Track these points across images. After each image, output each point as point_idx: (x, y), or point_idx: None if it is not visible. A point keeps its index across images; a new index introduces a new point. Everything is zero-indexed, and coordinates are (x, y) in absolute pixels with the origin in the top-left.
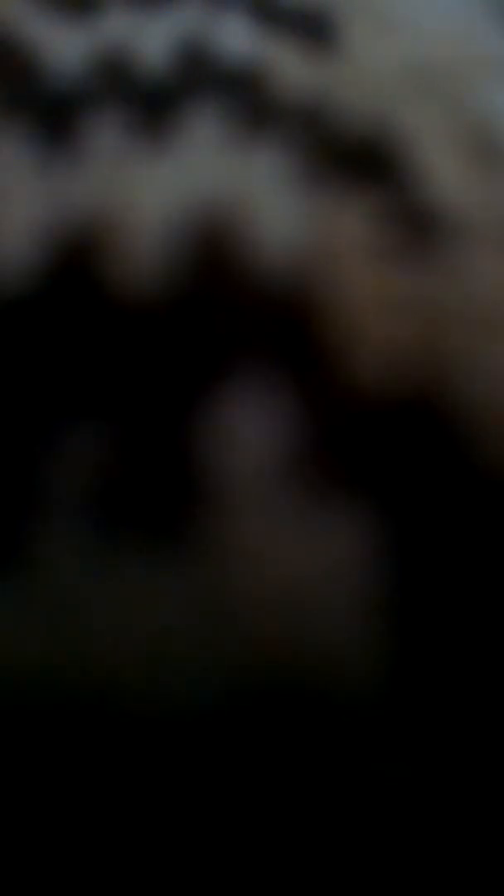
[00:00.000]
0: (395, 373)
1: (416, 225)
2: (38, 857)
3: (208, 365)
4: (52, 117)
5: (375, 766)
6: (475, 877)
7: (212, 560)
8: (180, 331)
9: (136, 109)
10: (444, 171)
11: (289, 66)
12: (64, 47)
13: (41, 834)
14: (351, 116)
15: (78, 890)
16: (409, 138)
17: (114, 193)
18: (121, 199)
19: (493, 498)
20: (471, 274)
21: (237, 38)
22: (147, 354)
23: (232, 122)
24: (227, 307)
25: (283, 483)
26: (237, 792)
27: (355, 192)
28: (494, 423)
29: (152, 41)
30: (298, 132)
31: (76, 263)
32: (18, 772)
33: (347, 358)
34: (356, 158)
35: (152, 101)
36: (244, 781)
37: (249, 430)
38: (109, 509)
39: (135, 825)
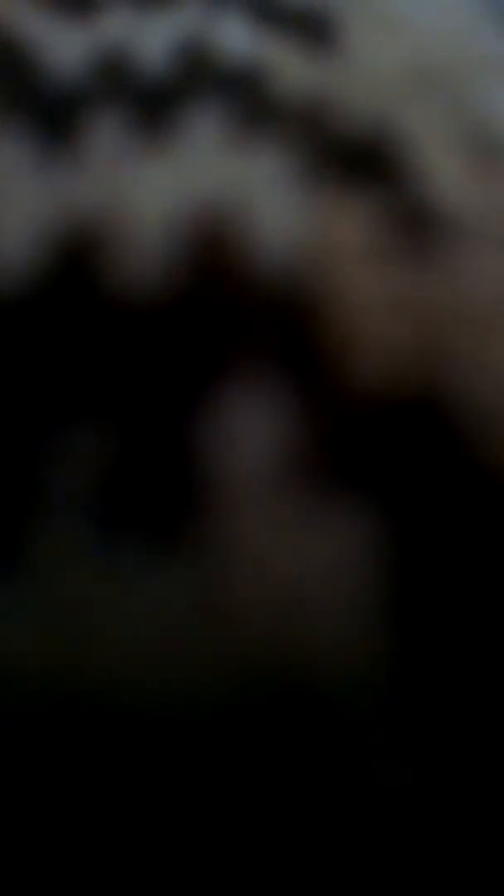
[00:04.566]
0: (394, 372)
1: (415, 225)
2: (39, 856)
3: (208, 365)
4: (52, 117)
5: (375, 766)
6: (475, 877)
7: (212, 560)
8: (180, 331)
9: (136, 109)
10: (444, 171)
11: (289, 67)
12: (64, 47)
13: (41, 833)
14: (351, 116)
15: (78, 890)
16: (409, 138)
17: (113, 193)
18: (120, 199)
19: (493, 498)
20: (471, 274)
21: (237, 38)
22: (147, 354)
23: (232, 123)
24: (227, 307)
25: (283, 483)
26: (237, 792)
27: (355, 193)
28: (494, 423)
29: (152, 41)
30: (298, 132)
31: (76, 263)
32: (18, 771)
33: (347, 358)
34: (356, 159)
35: (152, 101)
36: (244, 781)
37: (249, 431)
38: (110, 509)
39: (135, 825)
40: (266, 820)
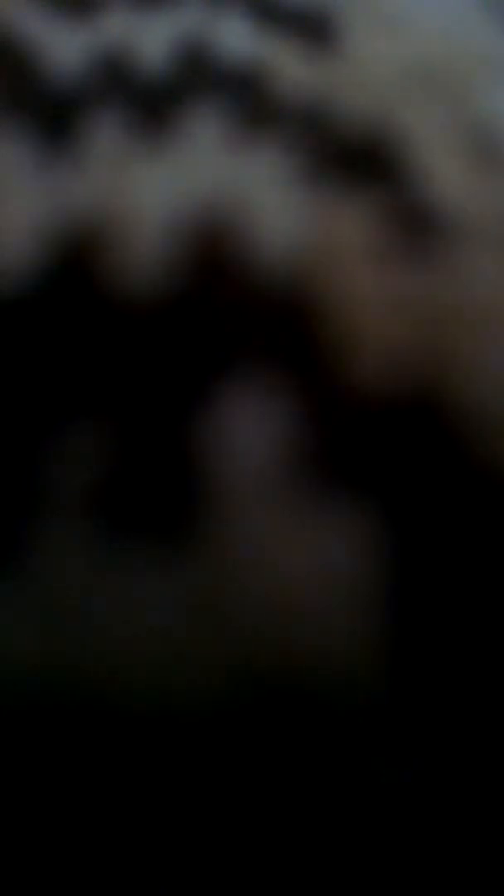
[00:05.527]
0: (394, 372)
1: (415, 225)
2: (38, 856)
3: (208, 365)
4: (52, 117)
5: (374, 766)
6: (475, 876)
7: (212, 560)
8: (180, 331)
9: (136, 109)
10: (444, 171)
11: (289, 67)
12: (64, 47)
13: (41, 833)
14: (351, 116)
15: (78, 890)
16: (409, 138)
17: (114, 194)
18: (120, 199)
19: (493, 498)
20: (471, 274)
21: (237, 38)
22: (147, 354)
23: (232, 123)
24: (227, 307)
25: (283, 483)
26: (236, 792)
27: (355, 193)
28: (494, 423)
29: (152, 41)
30: (298, 132)
31: (76, 263)
32: (18, 771)
33: (347, 358)
34: (356, 158)
35: (152, 101)
36: (244, 781)
37: (249, 431)
38: (110, 509)
39: (134, 824)
40: (265, 819)
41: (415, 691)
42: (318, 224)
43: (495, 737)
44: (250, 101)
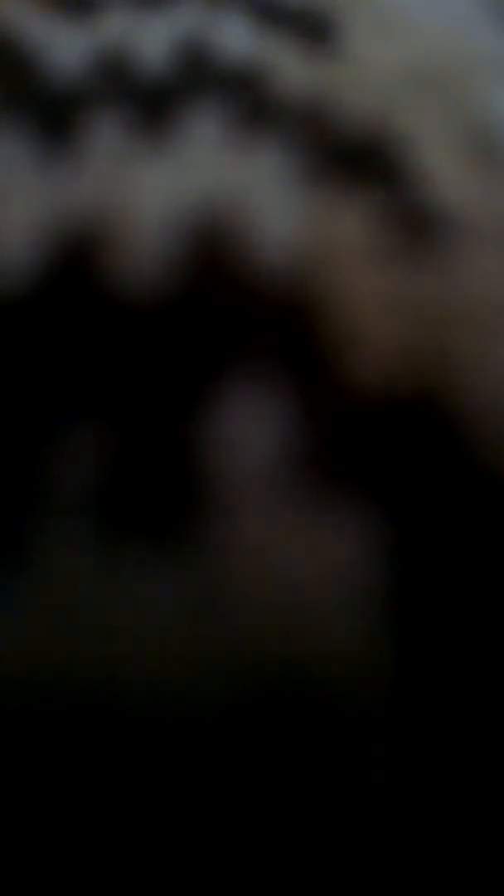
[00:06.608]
0: (395, 373)
1: (415, 225)
2: (38, 856)
3: (208, 365)
4: (52, 117)
5: (376, 767)
6: (473, 876)
7: (212, 560)
8: (180, 331)
9: (136, 109)
10: (444, 171)
11: (289, 66)
12: (64, 47)
13: (41, 833)
14: (351, 116)
15: (78, 890)
16: (409, 138)
17: (113, 193)
18: (120, 199)
19: (494, 498)
20: (471, 273)
21: (237, 37)
22: (147, 354)
23: (232, 122)
24: (227, 307)
25: (283, 483)
26: (237, 792)
27: (355, 192)
28: (495, 423)
29: (152, 41)
30: (298, 132)
31: (75, 263)
32: (17, 772)
33: (347, 358)
34: (356, 158)
35: (152, 101)
36: (244, 782)
37: (249, 431)
38: (110, 510)
39: (134, 825)
40: (264, 820)
41: (417, 691)
42: (318, 224)
43: (497, 736)
44: (250, 101)
